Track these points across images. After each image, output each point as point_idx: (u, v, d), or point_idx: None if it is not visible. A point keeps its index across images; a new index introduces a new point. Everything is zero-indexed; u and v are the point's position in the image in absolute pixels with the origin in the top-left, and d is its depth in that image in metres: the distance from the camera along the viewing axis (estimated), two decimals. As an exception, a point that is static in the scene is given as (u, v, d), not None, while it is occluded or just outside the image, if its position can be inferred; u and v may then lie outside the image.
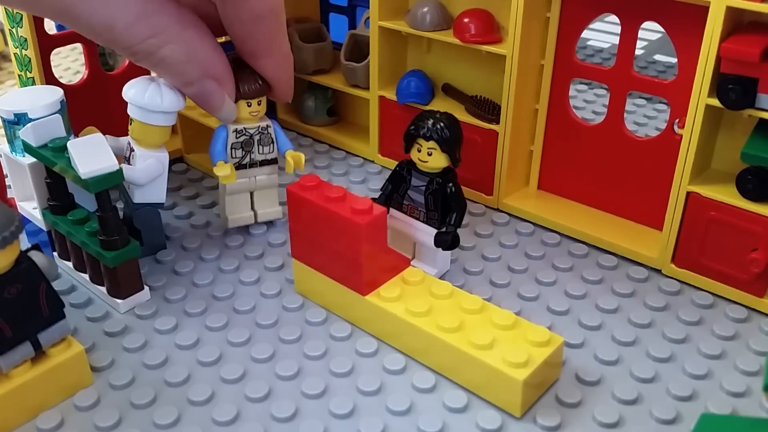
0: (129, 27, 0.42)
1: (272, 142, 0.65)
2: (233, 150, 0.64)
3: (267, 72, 0.54)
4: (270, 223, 0.69)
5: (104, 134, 0.58)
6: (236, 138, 0.63)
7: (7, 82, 1.05)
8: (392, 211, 0.61)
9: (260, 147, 0.65)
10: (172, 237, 0.68)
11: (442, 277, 0.61)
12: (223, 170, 0.63)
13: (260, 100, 0.62)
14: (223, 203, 0.67)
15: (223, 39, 0.90)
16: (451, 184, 0.58)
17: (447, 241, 0.58)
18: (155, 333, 0.56)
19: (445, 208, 0.58)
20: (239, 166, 0.64)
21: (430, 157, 0.57)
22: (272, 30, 0.49)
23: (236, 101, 0.61)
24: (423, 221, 0.60)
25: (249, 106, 0.62)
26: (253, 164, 0.65)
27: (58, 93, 0.63)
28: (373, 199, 0.56)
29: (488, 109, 0.70)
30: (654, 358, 0.54)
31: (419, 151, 0.57)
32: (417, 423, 0.48)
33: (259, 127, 0.64)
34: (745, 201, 0.57)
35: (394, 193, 0.61)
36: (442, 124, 0.56)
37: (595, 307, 0.59)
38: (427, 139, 0.56)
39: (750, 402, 0.50)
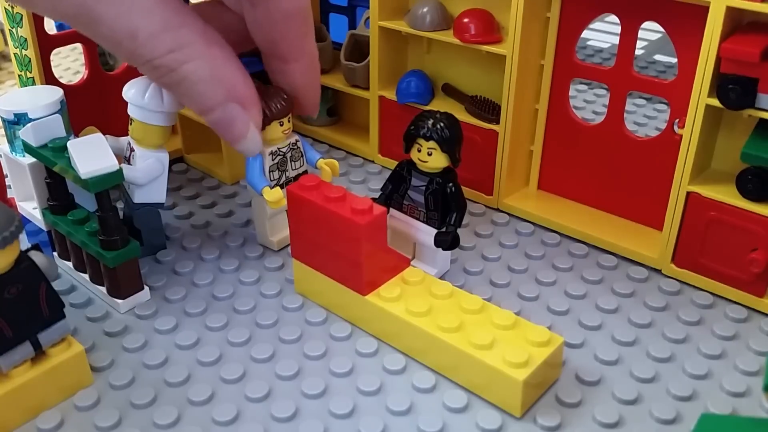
0: (152, 37, 0.40)
1: (302, 155, 0.64)
2: (270, 173, 0.63)
3: (296, 78, 0.51)
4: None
5: (104, 134, 0.58)
6: (272, 160, 0.62)
7: (7, 82, 1.05)
8: (392, 211, 0.61)
9: (292, 163, 0.64)
10: (172, 237, 0.68)
11: (442, 277, 0.61)
12: (274, 195, 0.61)
13: (289, 117, 0.62)
14: (264, 227, 0.65)
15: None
16: (451, 184, 0.58)
17: (447, 241, 0.58)
18: (155, 333, 0.56)
19: (445, 208, 0.58)
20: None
21: (430, 157, 0.57)
22: (302, 30, 0.47)
23: (269, 123, 0.60)
24: (423, 221, 0.60)
25: (281, 125, 0.61)
26: (288, 182, 0.64)
27: (58, 93, 0.63)
28: (373, 199, 0.56)
29: (488, 109, 0.70)
30: (654, 358, 0.54)
31: (419, 151, 0.57)
32: (417, 423, 0.48)
33: (290, 144, 0.63)
34: (745, 201, 0.57)
35: (394, 193, 0.61)
36: (442, 124, 0.56)
37: (595, 307, 0.59)
38: (427, 139, 0.56)
39: (750, 402, 0.50)
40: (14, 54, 0.71)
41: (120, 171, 0.55)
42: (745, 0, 0.52)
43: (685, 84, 0.58)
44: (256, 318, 0.57)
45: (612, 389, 0.51)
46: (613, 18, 0.64)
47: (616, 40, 0.64)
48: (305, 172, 0.65)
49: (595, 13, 0.64)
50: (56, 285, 0.51)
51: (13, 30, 0.69)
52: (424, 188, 0.59)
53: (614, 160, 0.67)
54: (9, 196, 0.65)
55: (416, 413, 0.49)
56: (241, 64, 0.48)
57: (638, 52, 1.07)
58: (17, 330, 0.47)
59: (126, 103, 0.60)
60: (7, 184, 0.66)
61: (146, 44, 0.40)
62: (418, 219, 0.60)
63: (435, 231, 0.58)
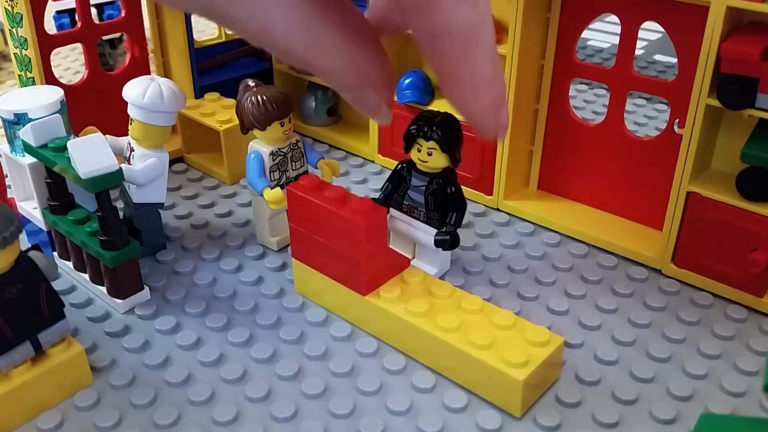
0: (286, 33, 0.40)
1: (302, 156, 0.65)
2: (271, 173, 0.63)
3: (452, 102, 0.46)
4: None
5: (104, 134, 0.58)
6: (273, 160, 0.63)
7: (7, 82, 1.05)
8: (392, 211, 0.61)
9: (293, 163, 0.64)
10: (172, 237, 0.68)
11: (442, 277, 0.61)
12: (274, 195, 0.61)
13: (290, 117, 0.62)
14: (264, 227, 0.65)
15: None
16: (451, 185, 0.58)
17: (447, 241, 0.58)
18: (155, 333, 0.56)
19: (445, 208, 0.58)
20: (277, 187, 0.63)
21: (431, 157, 0.57)
22: (453, 52, 0.41)
23: (270, 123, 0.60)
24: (423, 221, 0.60)
25: (282, 125, 0.61)
26: (288, 182, 0.64)
27: (58, 93, 0.63)
28: (373, 200, 0.56)
29: (488, 109, 0.70)
30: (654, 358, 0.54)
31: (419, 151, 0.57)
32: (417, 423, 0.48)
33: (290, 144, 0.63)
34: (745, 201, 0.57)
35: (394, 193, 0.61)
36: (442, 124, 0.56)
37: (595, 307, 0.59)
38: (428, 139, 0.56)
39: (750, 402, 0.50)
40: (14, 54, 0.71)
41: (120, 171, 0.55)
42: (745, 0, 0.52)
43: (685, 84, 0.58)
44: (256, 318, 0.57)
45: (612, 389, 0.51)
46: (613, 18, 0.64)
47: (616, 40, 0.64)
48: (306, 172, 0.65)
49: (595, 13, 0.64)
50: (56, 285, 0.51)
51: (13, 30, 0.69)
52: (424, 188, 0.59)
53: (614, 160, 0.67)
54: (9, 196, 0.65)
55: (416, 413, 0.49)
56: (381, 48, 0.45)
57: (638, 52, 1.07)
58: (17, 330, 0.47)
59: (126, 103, 0.60)
60: (7, 184, 0.66)
61: (280, 40, 0.40)
62: (418, 219, 0.60)
63: (435, 231, 0.58)
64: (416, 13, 0.41)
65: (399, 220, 0.61)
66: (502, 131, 0.47)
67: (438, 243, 0.58)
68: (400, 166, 0.60)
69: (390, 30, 0.47)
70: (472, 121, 0.48)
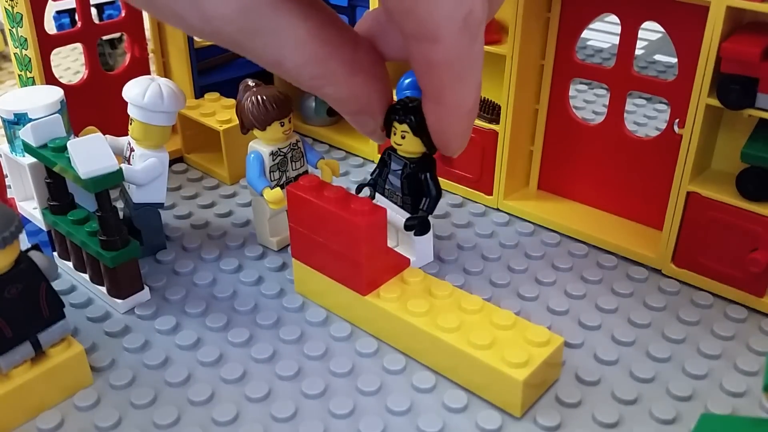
0: (296, 67, 0.43)
1: (302, 156, 0.65)
2: (271, 173, 0.63)
3: (428, 117, 0.50)
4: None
5: (104, 134, 0.59)
6: (273, 160, 0.63)
7: (7, 82, 1.05)
8: (377, 196, 0.61)
9: (293, 163, 0.64)
10: (172, 237, 0.68)
11: (442, 277, 0.61)
12: (275, 195, 0.61)
13: (290, 117, 0.62)
14: (264, 227, 0.65)
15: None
16: (425, 172, 0.58)
17: (414, 226, 0.58)
18: (155, 333, 0.56)
19: (418, 194, 0.59)
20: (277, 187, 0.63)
21: (404, 141, 0.56)
22: (445, 80, 0.44)
23: (270, 123, 0.60)
24: (399, 206, 0.60)
25: (282, 125, 0.61)
26: (288, 182, 0.64)
27: (58, 93, 0.64)
28: (361, 185, 0.58)
29: (488, 109, 0.70)
30: (654, 358, 0.54)
31: (395, 134, 0.57)
32: (417, 423, 0.48)
33: (290, 144, 0.63)
34: (745, 201, 0.57)
35: (378, 178, 0.61)
36: (415, 109, 0.55)
37: (595, 307, 0.59)
38: (401, 122, 0.56)
39: (750, 402, 0.50)
40: (14, 54, 0.71)
41: (120, 171, 0.55)
42: (745, 0, 0.52)
43: (685, 84, 0.58)
44: (256, 318, 0.57)
45: (612, 389, 0.51)
46: (613, 18, 0.64)
47: (616, 40, 0.64)
48: (306, 172, 0.65)
49: (595, 13, 0.64)
50: (56, 285, 0.51)
51: (13, 30, 0.69)
52: (400, 172, 0.59)
53: (614, 160, 0.67)
54: (9, 196, 0.65)
55: (416, 413, 0.49)
56: (385, 83, 0.48)
57: (638, 52, 1.07)
58: (17, 330, 0.47)
59: (126, 103, 0.60)
60: (7, 184, 0.66)
61: (290, 71, 0.43)
62: (396, 204, 0.60)
63: (408, 216, 0.59)
64: (417, 43, 0.42)
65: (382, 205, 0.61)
66: (460, 152, 0.51)
67: (407, 227, 0.59)
68: (385, 152, 0.60)
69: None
70: (443, 139, 0.51)
